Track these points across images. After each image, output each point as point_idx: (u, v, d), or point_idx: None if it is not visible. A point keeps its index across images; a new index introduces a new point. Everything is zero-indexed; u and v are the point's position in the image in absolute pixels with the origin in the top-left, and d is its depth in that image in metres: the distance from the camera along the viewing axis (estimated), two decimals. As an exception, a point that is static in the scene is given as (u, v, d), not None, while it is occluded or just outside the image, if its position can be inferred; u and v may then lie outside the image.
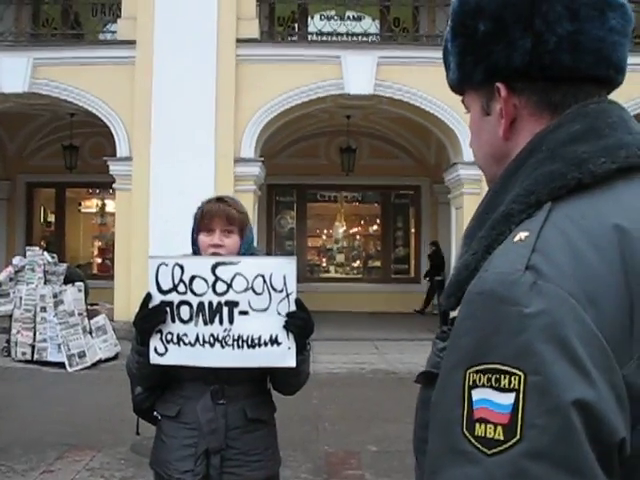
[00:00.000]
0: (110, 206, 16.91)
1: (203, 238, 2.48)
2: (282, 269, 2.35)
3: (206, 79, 11.39)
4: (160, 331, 2.37)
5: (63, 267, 10.04)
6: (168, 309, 2.36)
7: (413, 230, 17.97)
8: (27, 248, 10.57)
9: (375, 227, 18.77)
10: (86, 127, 14.51)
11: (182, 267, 2.36)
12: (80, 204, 18.44)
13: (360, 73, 11.62)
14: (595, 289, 0.83)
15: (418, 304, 16.06)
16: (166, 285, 2.37)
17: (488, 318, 0.84)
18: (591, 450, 0.77)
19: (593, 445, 0.77)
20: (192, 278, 2.35)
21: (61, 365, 9.31)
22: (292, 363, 2.34)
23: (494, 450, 0.79)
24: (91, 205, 18.51)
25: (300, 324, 2.33)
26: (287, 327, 2.32)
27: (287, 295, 2.34)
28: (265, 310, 2.34)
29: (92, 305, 10.33)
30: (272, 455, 2.52)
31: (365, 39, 13.21)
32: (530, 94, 1.03)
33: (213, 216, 2.46)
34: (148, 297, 2.39)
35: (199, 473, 2.35)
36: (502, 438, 0.79)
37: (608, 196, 0.93)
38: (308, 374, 2.56)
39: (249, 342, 2.33)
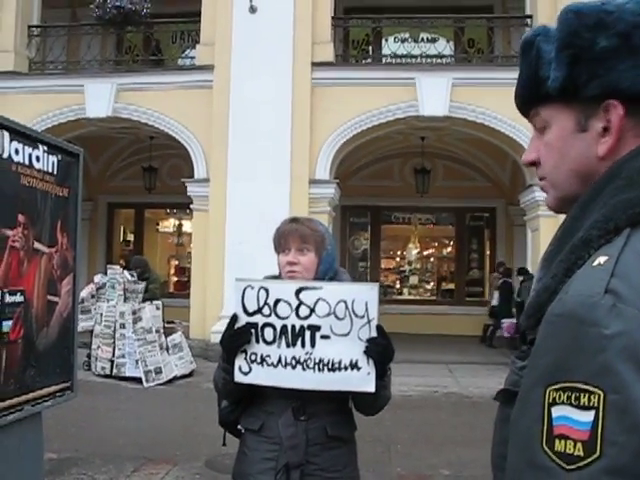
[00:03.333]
0: (187, 226, 17.32)
1: (281, 258, 2.56)
2: (364, 295, 2.38)
3: (282, 102, 11.59)
4: (245, 351, 2.43)
5: (142, 285, 10.32)
6: (253, 330, 2.42)
7: (488, 252, 17.75)
8: (108, 266, 10.91)
9: (449, 249, 18.63)
10: (165, 149, 14.94)
11: (267, 290, 2.42)
12: (158, 224, 18.94)
13: (434, 95, 11.63)
14: None
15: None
16: (252, 307, 2.44)
17: (568, 338, 0.87)
18: None
19: None
20: (276, 301, 2.41)
21: (138, 380, 9.55)
22: (371, 388, 2.36)
23: (574, 466, 0.82)
24: (168, 225, 18.98)
25: (380, 350, 2.36)
26: (367, 353, 2.35)
27: (369, 321, 2.36)
28: (346, 335, 2.37)
29: (169, 323, 10.57)
30: (351, 473, 2.55)
31: (439, 61, 13.23)
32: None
33: (287, 236, 2.54)
34: (234, 318, 2.46)
35: (279, 487, 2.40)
36: (582, 454, 0.82)
37: None
38: (389, 398, 2.58)
39: (329, 366, 2.37)
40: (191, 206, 12.45)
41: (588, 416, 0.82)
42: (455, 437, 7.02)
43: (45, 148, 4.21)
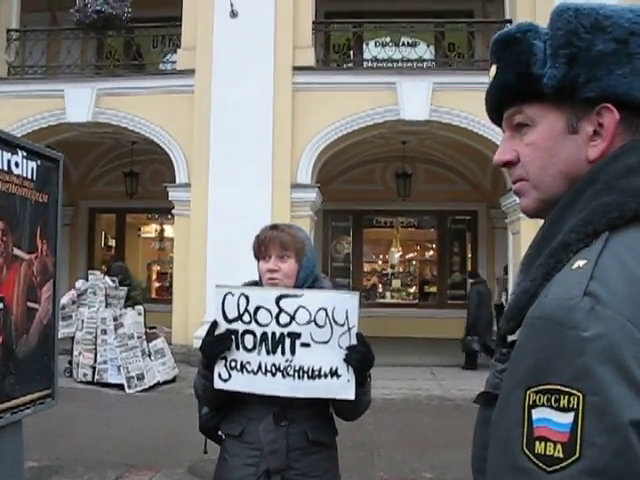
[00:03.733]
0: (169, 231, 17.26)
1: (261, 264, 2.56)
2: (345, 304, 2.39)
3: (263, 107, 11.59)
4: (225, 358, 2.43)
5: (124, 291, 10.27)
6: (233, 337, 2.42)
7: (470, 255, 17.83)
8: (89, 272, 10.85)
9: (431, 252, 18.70)
10: (146, 154, 14.89)
11: (247, 297, 2.43)
12: (140, 229, 18.86)
13: (415, 99, 11.67)
14: None
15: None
16: (232, 314, 2.44)
17: (548, 341, 0.88)
18: None
19: None
20: (257, 308, 2.41)
21: (120, 387, 9.50)
22: (351, 396, 2.37)
23: (554, 467, 0.83)
24: (150, 230, 18.90)
25: (360, 358, 2.37)
26: (347, 360, 2.36)
27: (349, 329, 2.37)
28: (326, 343, 2.38)
29: (151, 328, 10.52)
30: (332, 478, 2.55)
31: (420, 65, 13.29)
32: (633, 123, 1.06)
33: (268, 243, 2.54)
34: (214, 325, 2.46)
35: (260, 493, 2.40)
36: (562, 456, 0.83)
37: None
38: (369, 403, 2.58)
39: (309, 373, 2.37)
40: (172, 211, 12.42)
41: (568, 418, 0.84)
42: (437, 440, 7.04)
43: (24, 154, 4.17)
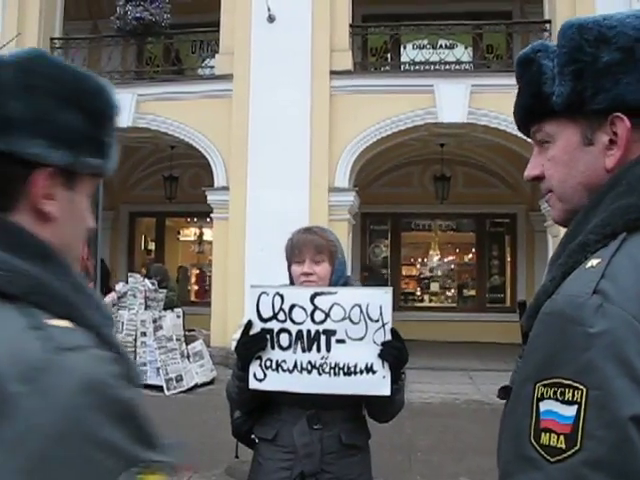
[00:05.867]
0: (207, 235, 17.38)
1: (295, 268, 2.58)
2: (378, 299, 2.41)
3: (301, 110, 11.63)
4: (260, 357, 2.46)
5: (163, 294, 10.38)
6: (268, 336, 2.45)
7: (509, 259, 17.65)
8: (129, 275, 10.99)
9: (470, 256, 18.53)
10: (185, 158, 15.03)
11: (282, 296, 2.45)
12: (179, 232, 19.04)
13: (453, 101, 11.60)
14: None
15: (513, 334, 15.70)
16: (267, 313, 2.46)
17: (557, 336, 0.92)
18: None
19: None
20: (292, 307, 2.44)
21: (159, 388, 9.59)
22: (387, 392, 2.38)
23: (557, 458, 0.86)
24: (189, 234, 19.07)
25: (395, 353, 2.38)
26: (382, 356, 2.37)
27: (383, 325, 2.39)
28: (361, 339, 2.39)
29: (190, 331, 10.61)
30: (366, 481, 2.57)
31: (458, 67, 13.21)
32: None
33: (302, 246, 2.56)
34: (249, 324, 2.48)
35: (294, 495, 2.42)
36: (564, 447, 0.86)
37: None
38: (403, 403, 2.59)
39: (345, 370, 2.39)
40: (211, 214, 12.52)
41: (571, 410, 0.86)
42: (476, 445, 6.98)
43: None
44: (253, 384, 2.46)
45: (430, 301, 18.15)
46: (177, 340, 9.87)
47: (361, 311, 2.38)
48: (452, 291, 18.36)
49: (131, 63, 14.56)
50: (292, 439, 2.46)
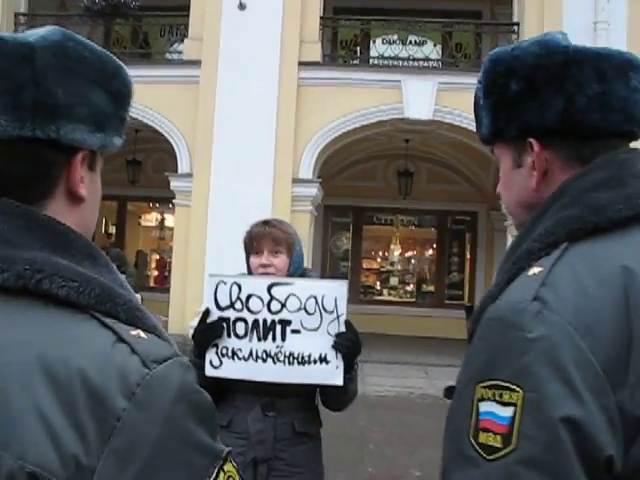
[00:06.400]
0: (169, 221, 17.28)
1: (253, 259, 2.62)
2: (334, 292, 2.46)
3: (268, 100, 11.60)
4: (216, 345, 2.49)
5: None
6: (225, 325, 2.48)
7: (469, 256, 17.86)
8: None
9: (430, 252, 18.69)
10: (150, 143, 14.88)
11: (240, 286, 2.48)
12: (140, 217, 18.87)
13: (420, 98, 11.68)
14: (594, 321, 0.93)
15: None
16: (224, 302, 2.49)
17: (497, 340, 0.96)
18: (578, 463, 0.87)
19: (581, 459, 0.87)
20: (249, 296, 2.47)
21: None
22: (339, 381, 2.43)
23: (493, 456, 0.90)
24: (151, 219, 18.91)
25: (349, 345, 2.43)
26: (336, 347, 2.42)
27: (337, 316, 2.44)
28: (316, 330, 2.44)
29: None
30: (316, 469, 2.61)
31: (426, 64, 13.29)
32: (560, 149, 1.13)
33: (260, 238, 2.60)
34: (207, 313, 2.51)
35: (246, 481, 2.45)
36: (500, 446, 0.90)
37: (622, 240, 1.02)
38: (356, 393, 2.64)
39: (299, 359, 2.43)
40: (174, 201, 12.43)
41: (508, 412, 0.90)
42: (428, 438, 7.07)
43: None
44: (209, 371, 2.48)
45: (389, 295, 18.29)
46: (134, 325, 9.79)
47: (316, 302, 2.43)
48: (411, 286, 18.51)
49: (98, 44, 14.31)
50: (246, 425, 2.50)
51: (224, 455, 0.89)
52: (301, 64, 11.79)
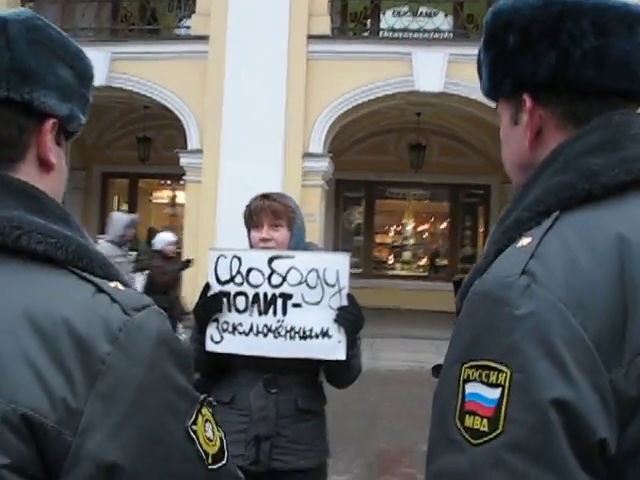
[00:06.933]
0: (181, 197, 17.27)
1: (253, 234, 2.58)
2: (336, 265, 2.42)
3: (277, 75, 11.51)
4: (217, 320, 2.46)
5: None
6: (225, 299, 2.44)
7: (482, 229, 17.76)
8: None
9: (443, 225, 18.62)
10: (159, 119, 14.84)
11: (240, 259, 2.45)
12: (152, 194, 18.88)
13: (430, 70, 11.54)
14: (586, 295, 0.87)
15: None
16: (224, 276, 2.46)
17: (483, 317, 0.90)
18: (569, 447, 0.81)
19: (572, 442, 0.81)
20: (249, 270, 2.44)
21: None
22: (342, 356, 2.39)
23: (479, 441, 0.85)
24: (162, 196, 18.92)
25: (351, 319, 2.40)
26: (338, 321, 2.38)
27: (339, 290, 2.40)
28: (317, 303, 2.40)
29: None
30: (320, 445, 2.58)
31: (437, 36, 13.12)
32: (555, 106, 1.06)
33: (260, 212, 2.56)
34: (207, 287, 2.49)
35: (249, 458, 2.42)
36: (486, 429, 0.84)
37: (618, 207, 0.96)
38: (360, 369, 2.61)
39: (301, 334, 2.40)
40: (184, 177, 12.41)
41: (495, 393, 0.85)
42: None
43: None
44: (210, 346, 2.46)
45: (402, 269, 18.25)
46: (147, 302, 9.82)
47: (318, 276, 2.39)
48: (424, 260, 18.47)
49: (106, 21, 14.28)
50: (248, 402, 2.47)
51: (201, 400, 0.94)
52: (310, 37, 11.68)
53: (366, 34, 14.27)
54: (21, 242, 0.90)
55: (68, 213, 1.01)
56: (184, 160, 12.25)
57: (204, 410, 0.94)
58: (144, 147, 15.71)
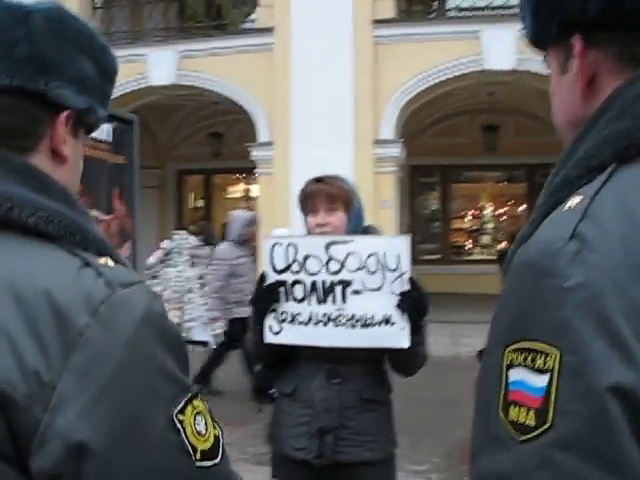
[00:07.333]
0: (254, 191, 17.39)
1: (309, 219, 2.50)
2: (396, 248, 2.31)
3: (343, 62, 11.41)
4: (275, 310, 2.39)
5: (207, 250, 10.42)
6: (282, 288, 2.37)
7: (562, 209, 17.23)
8: (174, 232, 11.06)
9: (522, 207, 18.14)
10: (230, 114, 14.95)
11: (296, 247, 2.38)
12: (226, 189, 19.07)
13: (500, 48, 11.22)
14: None
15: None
16: (280, 265, 2.39)
17: (528, 292, 0.76)
18: (632, 442, 0.67)
19: (635, 437, 0.67)
20: (306, 257, 2.36)
21: (206, 344, 9.67)
22: (405, 344, 2.29)
23: (525, 437, 0.72)
24: (236, 190, 19.07)
25: (414, 304, 2.28)
26: (401, 307, 2.28)
27: (401, 274, 2.30)
28: (378, 289, 2.30)
29: (237, 287, 10.65)
30: (386, 436, 2.49)
31: (505, 12, 12.75)
32: (609, 47, 0.91)
33: (314, 196, 2.47)
34: (263, 276, 2.42)
35: (313, 451, 2.36)
36: (533, 424, 0.71)
37: None
38: (426, 356, 2.50)
39: (362, 322, 2.31)
40: (255, 170, 12.47)
41: (542, 380, 0.72)
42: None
43: (97, 116, 4.22)
44: (269, 337, 2.40)
45: (481, 254, 17.91)
46: (223, 296, 9.90)
47: (378, 260, 2.29)
48: (503, 244, 18.04)
49: (173, 20, 14.47)
50: (310, 394, 2.40)
51: (194, 391, 0.88)
52: (375, 22, 11.52)
53: (432, 15, 14.02)
54: (12, 214, 0.88)
55: (74, 197, 0.99)
56: (255, 153, 12.30)
57: (196, 402, 0.88)
58: (216, 143, 15.89)
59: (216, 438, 0.90)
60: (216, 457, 0.88)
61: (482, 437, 0.79)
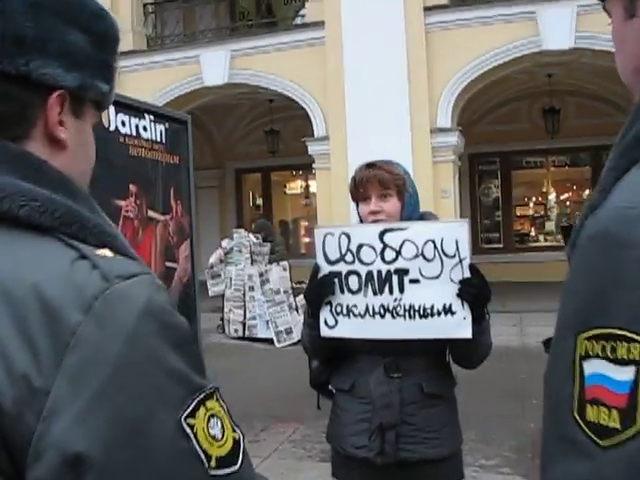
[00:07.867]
0: (314, 187, 17.36)
1: (362, 207, 2.39)
2: (454, 233, 2.18)
3: (396, 51, 11.25)
4: (330, 303, 2.30)
5: (267, 247, 10.42)
6: (336, 280, 2.28)
7: (629, 192, 16.70)
8: (234, 231, 11.10)
9: (587, 192, 17.63)
10: (285, 111, 14.96)
11: (349, 236, 2.27)
12: (285, 186, 19.09)
13: (558, 27, 10.87)
14: None
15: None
16: (333, 255, 2.29)
17: (603, 268, 0.65)
18: None
19: None
20: (359, 247, 2.26)
21: (270, 341, 9.68)
22: (468, 334, 2.16)
23: (607, 442, 0.60)
24: (295, 187, 19.09)
25: (475, 292, 2.15)
26: (461, 295, 2.16)
27: (460, 261, 2.17)
28: (437, 277, 2.19)
29: (299, 283, 10.64)
30: (451, 432, 2.36)
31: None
32: None
33: (366, 183, 2.35)
34: (316, 268, 2.32)
35: (374, 449, 2.25)
36: (618, 426, 0.60)
37: None
38: (490, 346, 2.36)
39: (421, 312, 2.19)
40: (313, 165, 12.42)
41: (627, 374, 0.60)
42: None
43: (151, 117, 4.21)
44: (325, 331, 2.30)
45: (545, 241, 17.49)
46: (285, 293, 9.90)
47: (435, 247, 2.16)
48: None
49: (223, 20, 14.52)
50: (369, 389, 2.29)
51: (208, 390, 0.80)
52: (427, 9, 11.32)
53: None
54: (2, 206, 0.81)
55: (73, 183, 0.90)
56: (312, 148, 12.25)
57: (211, 403, 0.79)
58: (272, 140, 15.90)
59: (235, 442, 0.81)
60: (235, 464, 0.80)
61: (555, 441, 0.68)
